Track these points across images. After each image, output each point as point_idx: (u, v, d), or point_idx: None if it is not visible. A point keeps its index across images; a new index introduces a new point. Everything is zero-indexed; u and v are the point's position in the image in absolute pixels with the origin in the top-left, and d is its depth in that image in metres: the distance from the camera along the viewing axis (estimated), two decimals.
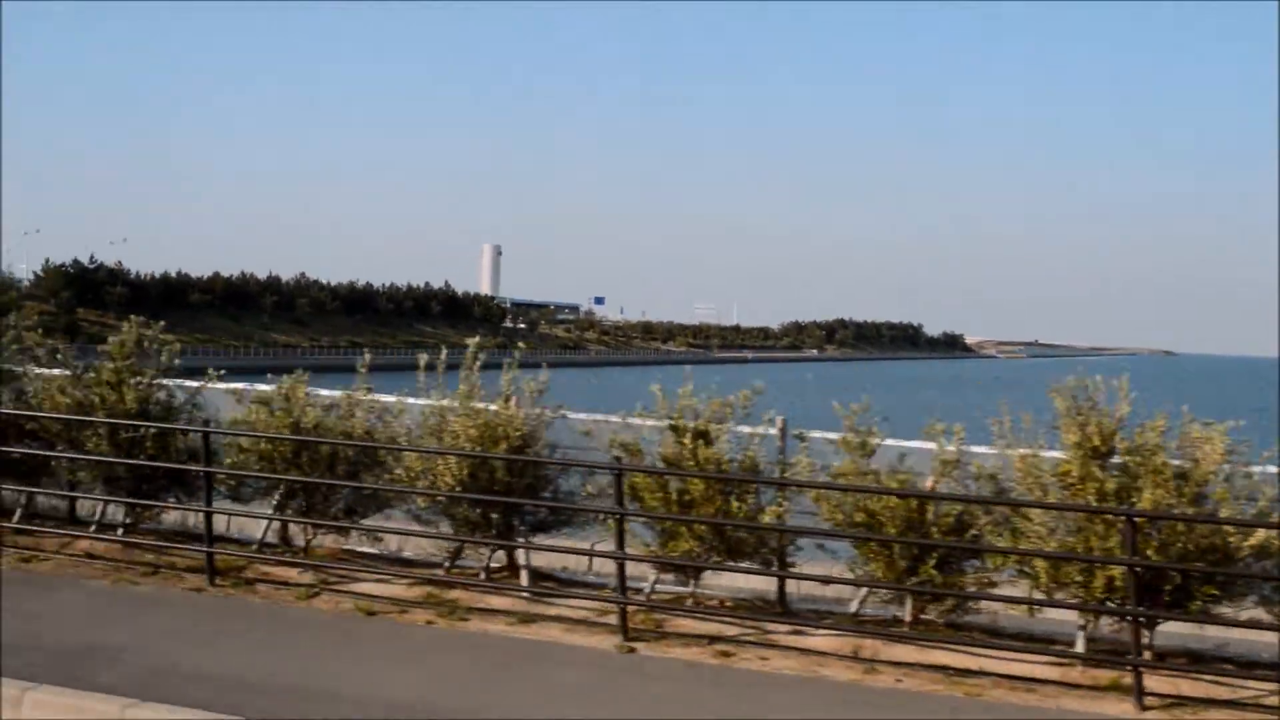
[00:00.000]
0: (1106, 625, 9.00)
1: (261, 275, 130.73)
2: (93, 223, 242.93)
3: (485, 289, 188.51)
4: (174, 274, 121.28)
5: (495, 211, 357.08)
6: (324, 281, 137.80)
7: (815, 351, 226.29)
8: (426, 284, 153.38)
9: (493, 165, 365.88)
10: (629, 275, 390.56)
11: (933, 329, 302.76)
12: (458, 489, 10.24)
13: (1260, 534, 8.41)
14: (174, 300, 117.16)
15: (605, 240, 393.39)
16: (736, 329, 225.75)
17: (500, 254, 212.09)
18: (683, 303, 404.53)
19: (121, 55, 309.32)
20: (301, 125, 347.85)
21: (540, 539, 10.68)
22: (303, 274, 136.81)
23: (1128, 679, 8.36)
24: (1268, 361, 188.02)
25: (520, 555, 10.62)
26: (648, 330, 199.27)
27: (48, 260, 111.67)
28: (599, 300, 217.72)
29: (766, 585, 10.53)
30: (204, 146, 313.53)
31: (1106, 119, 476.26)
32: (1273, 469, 8.74)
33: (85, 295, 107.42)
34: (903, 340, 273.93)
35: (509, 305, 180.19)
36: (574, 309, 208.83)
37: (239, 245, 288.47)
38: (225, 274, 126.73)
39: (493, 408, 10.49)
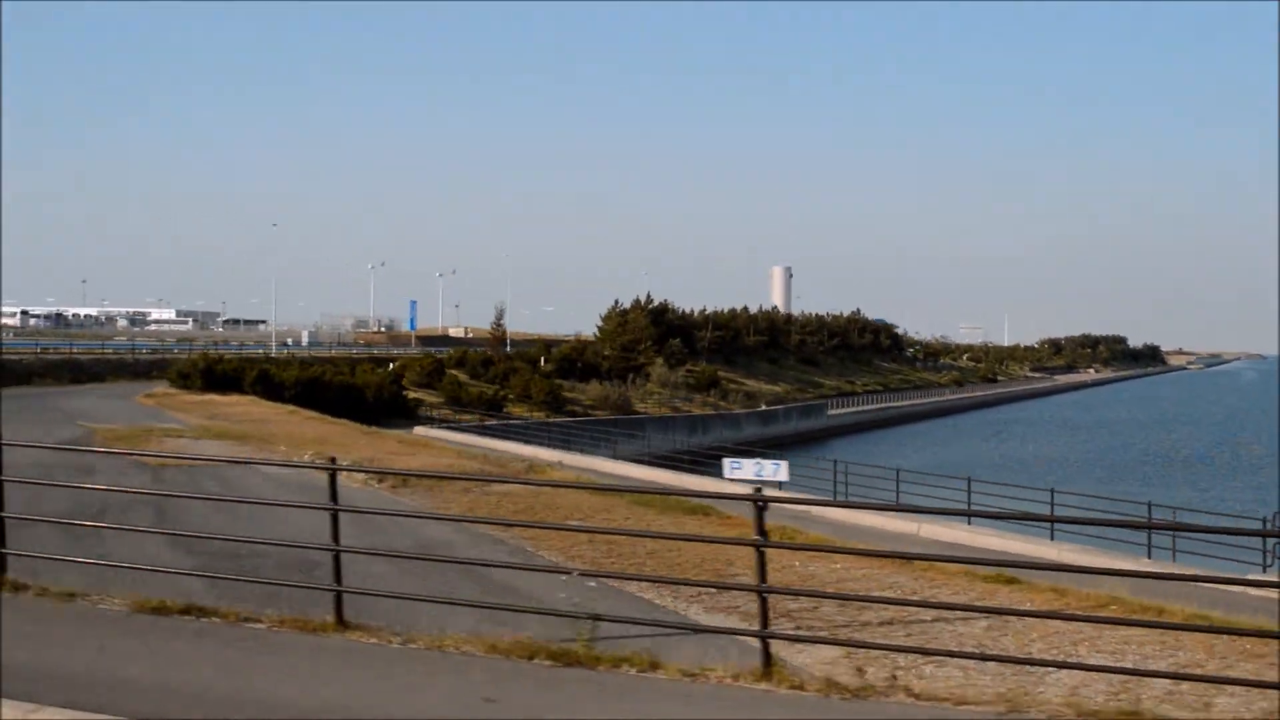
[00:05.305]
0: None
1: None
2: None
3: (780, 310, 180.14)
4: (697, 312, 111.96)
5: (762, 230, 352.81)
6: (801, 315, 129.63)
7: (1093, 371, 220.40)
8: (856, 312, 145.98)
9: (757, 182, 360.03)
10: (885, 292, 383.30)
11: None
12: None
13: None
14: (730, 343, 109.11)
15: (862, 258, 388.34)
16: (1016, 348, 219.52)
17: (792, 275, 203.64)
18: (929, 319, 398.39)
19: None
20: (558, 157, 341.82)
21: None
22: (774, 307, 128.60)
23: None
24: None
25: None
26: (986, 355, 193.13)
27: (617, 302, 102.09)
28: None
29: None
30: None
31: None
32: None
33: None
34: (1122, 355, 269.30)
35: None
36: None
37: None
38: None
39: None
